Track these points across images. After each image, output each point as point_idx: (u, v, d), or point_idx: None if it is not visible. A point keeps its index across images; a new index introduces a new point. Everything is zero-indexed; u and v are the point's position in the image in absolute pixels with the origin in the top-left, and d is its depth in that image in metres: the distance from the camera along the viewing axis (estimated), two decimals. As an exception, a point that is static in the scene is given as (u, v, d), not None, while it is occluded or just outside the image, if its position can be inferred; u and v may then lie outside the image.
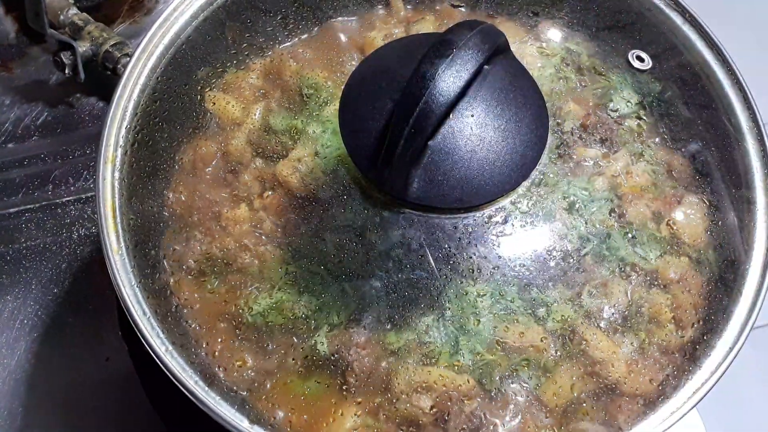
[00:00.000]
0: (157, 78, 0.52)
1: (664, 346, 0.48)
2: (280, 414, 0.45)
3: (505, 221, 0.48)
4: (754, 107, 0.53)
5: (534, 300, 0.47)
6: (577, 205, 0.49)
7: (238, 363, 0.46)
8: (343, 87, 0.47)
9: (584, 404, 0.46)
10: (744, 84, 0.53)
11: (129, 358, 0.62)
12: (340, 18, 0.55)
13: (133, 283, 0.46)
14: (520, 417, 0.46)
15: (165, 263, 0.48)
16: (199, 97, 0.52)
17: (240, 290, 0.48)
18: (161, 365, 0.45)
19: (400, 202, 0.46)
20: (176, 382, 0.45)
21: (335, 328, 0.46)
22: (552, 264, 0.48)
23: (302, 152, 0.50)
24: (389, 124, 0.43)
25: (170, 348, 0.45)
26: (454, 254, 0.47)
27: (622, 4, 0.56)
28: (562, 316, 0.47)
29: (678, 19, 0.55)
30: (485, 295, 0.47)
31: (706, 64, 0.54)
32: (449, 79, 0.42)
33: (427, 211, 0.47)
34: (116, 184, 0.49)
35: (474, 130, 0.44)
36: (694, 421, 0.65)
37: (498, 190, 0.46)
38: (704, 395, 0.46)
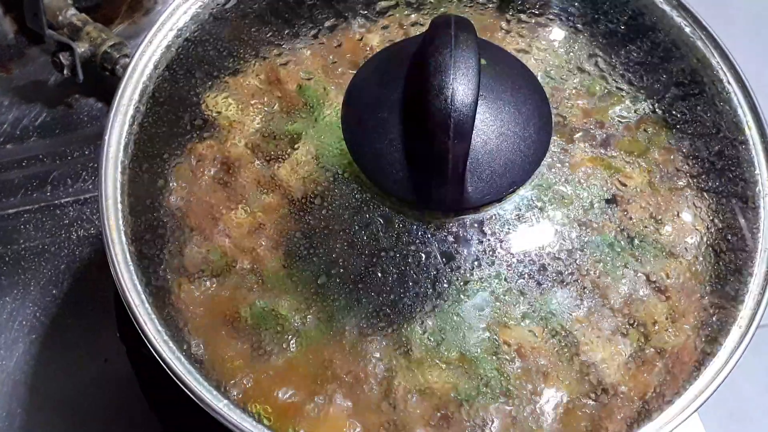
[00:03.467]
0: (158, 79, 0.52)
1: (663, 350, 0.48)
2: (281, 414, 0.45)
3: (504, 223, 0.48)
4: (758, 107, 0.53)
5: (533, 302, 0.47)
6: (576, 206, 0.49)
7: (237, 364, 0.46)
8: (343, 96, 0.47)
9: (582, 408, 0.46)
10: (747, 83, 0.53)
11: (128, 360, 0.62)
12: (340, 22, 0.55)
13: (136, 286, 0.46)
14: (519, 420, 0.46)
15: (165, 265, 0.48)
16: (199, 99, 0.52)
17: (240, 292, 0.48)
18: (166, 367, 0.45)
19: (401, 204, 0.46)
20: (184, 388, 0.44)
21: (335, 330, 0.46)
22: (550, 266, 0.48)
23: (302, 155, 0.50)
24: (433, 149, 0.44)
25: (177, 353, 0.45)
26: (454, 256, 0.47)
27: (622, 3, 0.56)
28: (560, 318, 0.47)
29: (680, 18, 0.55)
30: (484, 296, 0.47)
31: (707, 62, 0.54)
32: (463, 80, 0.43)
33: (427, 213, 0.47)
34: (118, 186, 0.49)
35: (479, 130, 0.45)
36: (693, 421, 0.66)
37: (499, 191, 0.46)
38: (703, 402, 0.46)
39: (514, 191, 0.48)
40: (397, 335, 0.46)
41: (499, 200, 0.47)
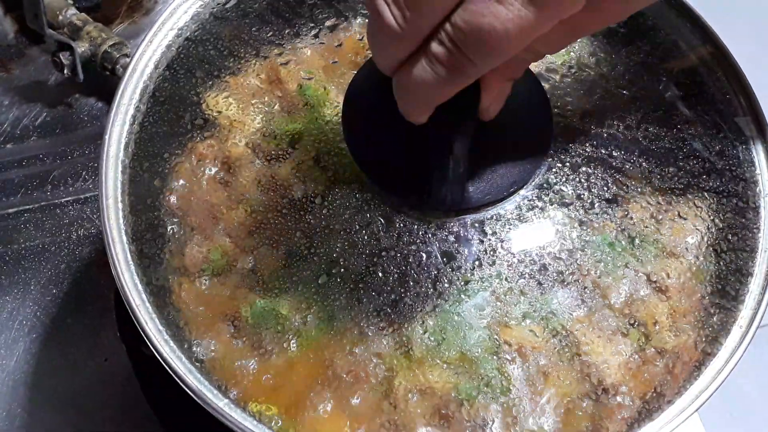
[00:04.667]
0: (158, 79, 0.52)
1: (664, 350, 0.48)
2: (280, 415, 0.45)
3: (505, 223, 0.48)
4: (758, 107, 0.52)
5: (533, 301, 0.47)
6: (577, 206, 0.49)
7: (238, 364, 0.46)
8: (344, 96, 0.47)
9: (582, 408, 0.46)
10: (747, 83, 0.53)
11: (128, 359, 0.62)
12: (341, 21, 0.55)
13: (137, 285, 0.46)
14: (519, 420, 0.46)
15: (166, 265, 0.48)
16: (199, 98, 0.52)
17: (240, 291, 0.47)
18: (166, 366, 0.45)
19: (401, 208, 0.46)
20: (184, 387, 0.44)
21: (335, 330, 0.46)
22: (551, 265, 0.48)
23: (302, 155, 0.50)
24: (434, 149, 0.44)
25: (178, 352, 0.45)
26: (454, 255, 0.47)
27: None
28: (561, 318, 0.47)
29: (679, 18, 0.55)
30: (485, 296, 0.47)
31: (707, 62, 0.54)
32: None
33: (427, 213, 0.47)
34: (118, 185, 0.49)
35: (480, 130, 0.45)
36: (694, 421, 0.66)
37: (500, 191, 0.46)
38: (704, 402, 0.45)
39: (515, 191, 0.48)
40: (397, 335, 0.46)
41: (500, 200, 0.48)
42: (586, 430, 0.46)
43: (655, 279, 0.49)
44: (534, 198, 0.49)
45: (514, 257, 0.47)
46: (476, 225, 0.47)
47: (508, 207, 0.48)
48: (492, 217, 0.48)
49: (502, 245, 0.47)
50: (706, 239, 0.50)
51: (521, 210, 0.48)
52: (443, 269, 0.47)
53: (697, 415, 0.65)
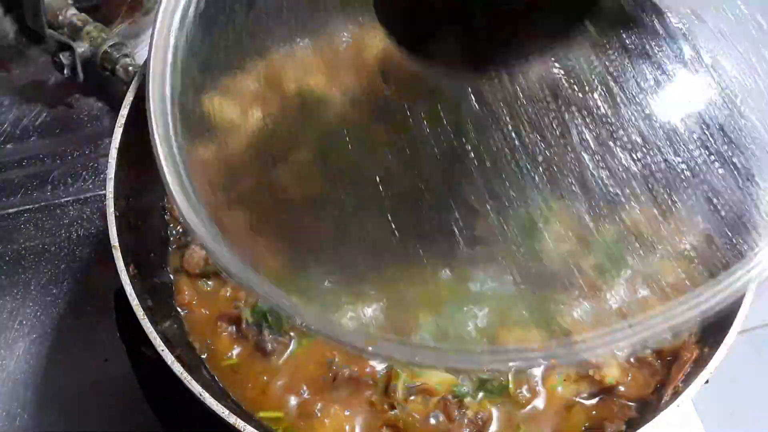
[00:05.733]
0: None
1: (662, 350, 0.48)
2: (279, 414, 0.46)
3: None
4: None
5: (533, 302, 0.47)
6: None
7: (239, 363, 0.46)
8: None
9: (582, 406, 0.46)
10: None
11: (127, 359, 0.62)
12: (340, 23, 0.55)
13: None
14: (519, 418, 0.46)
15: (167, 265, 0.48)
16: (200, 99, 0.52)
17: (240, 292, 0.48)
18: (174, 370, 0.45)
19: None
20: (191, 389, 0.44)
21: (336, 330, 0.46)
22: (552, 268, 0.47)
23: (302, 156, 0.50)
24: None
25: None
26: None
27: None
28: (560, 317, 0.47)
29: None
30: (484, 297, 0.47)
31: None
32: None
33: None
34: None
35: None
36: (692, 420, 0.66)
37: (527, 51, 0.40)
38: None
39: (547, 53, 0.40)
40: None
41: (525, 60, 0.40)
42: (585, 428, 0.46)
43: (655, 281, 0.48)
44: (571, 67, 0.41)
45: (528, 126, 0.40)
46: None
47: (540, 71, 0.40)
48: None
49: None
50: (710, 242, 0.50)
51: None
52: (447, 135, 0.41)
53: (696, 415, 0.65)
